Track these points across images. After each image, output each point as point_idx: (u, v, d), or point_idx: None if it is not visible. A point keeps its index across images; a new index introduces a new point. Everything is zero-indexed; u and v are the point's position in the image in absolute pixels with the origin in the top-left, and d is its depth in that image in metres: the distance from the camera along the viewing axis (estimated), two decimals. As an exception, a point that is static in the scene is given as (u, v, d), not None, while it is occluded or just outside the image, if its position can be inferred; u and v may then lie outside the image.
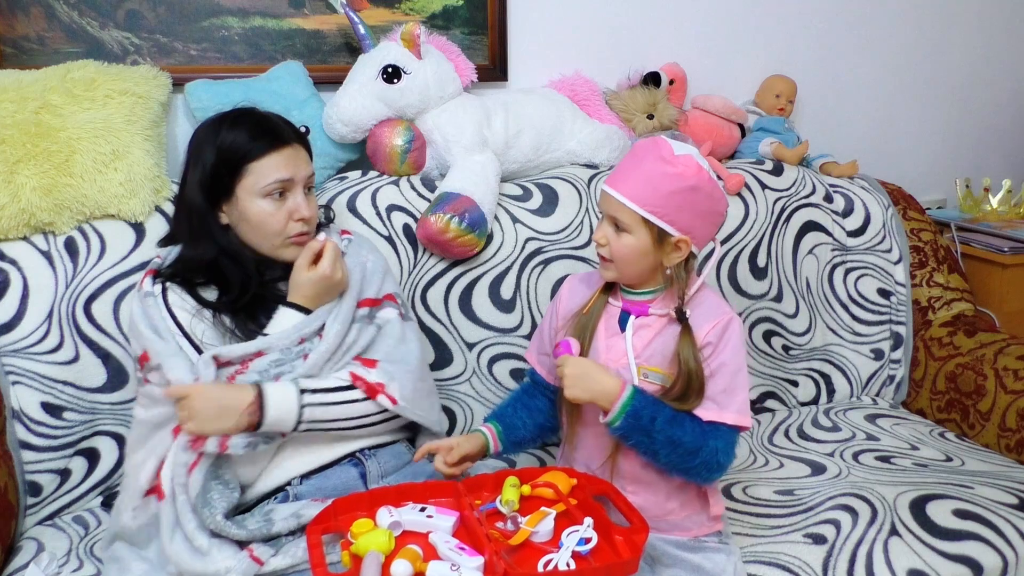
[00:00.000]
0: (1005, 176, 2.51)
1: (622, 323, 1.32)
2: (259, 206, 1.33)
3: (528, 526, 1.15)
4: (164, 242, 1.45)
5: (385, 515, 1.16)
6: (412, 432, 1.47)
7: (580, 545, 1.13)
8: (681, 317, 1.26)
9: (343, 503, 1.20)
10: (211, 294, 1.35)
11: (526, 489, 1.24)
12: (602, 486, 1.26)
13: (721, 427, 1.25)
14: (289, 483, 1.31)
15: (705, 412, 1.24)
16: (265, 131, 1.35)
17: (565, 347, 1.28)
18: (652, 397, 1.24)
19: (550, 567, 1.10)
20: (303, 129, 1.70)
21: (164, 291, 1.33)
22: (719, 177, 1.95)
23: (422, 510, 1.18)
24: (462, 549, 1.10)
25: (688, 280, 1.29)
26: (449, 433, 1.70)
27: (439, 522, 1.16)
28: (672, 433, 1.21)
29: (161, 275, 1.35)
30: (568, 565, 1.10)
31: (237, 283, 1.35)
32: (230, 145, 1.33)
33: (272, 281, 1.39)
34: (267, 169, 1.33)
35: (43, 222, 1.48)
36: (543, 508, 1.20)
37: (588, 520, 1.17)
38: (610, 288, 1.35)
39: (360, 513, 1.18)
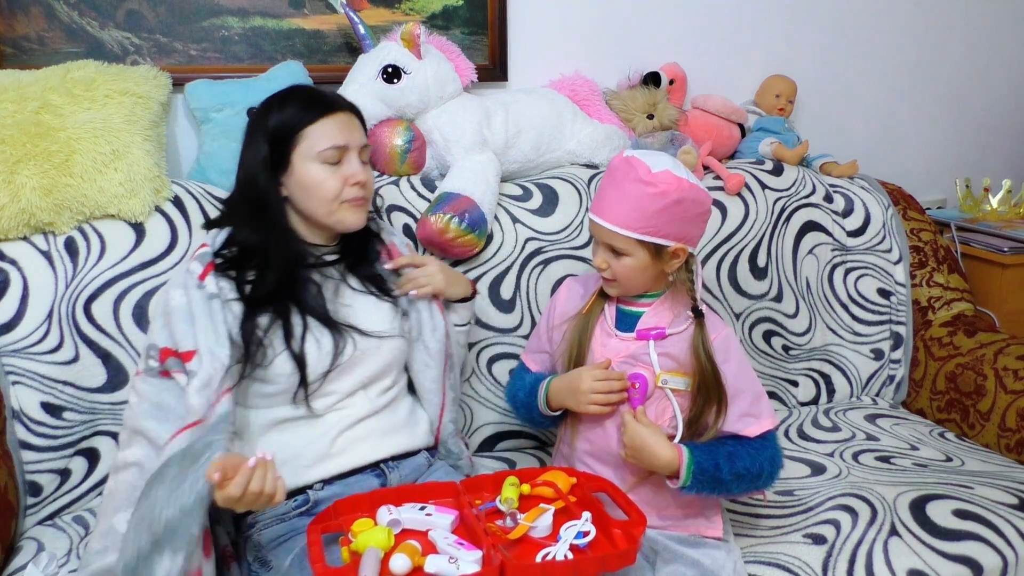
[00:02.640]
0: (1005, 176, 2.52)
1: (619, 325, 1.36)
2: (314, 171, 1.33)
3: (526, 521, 1.16)
4: (210, 224, 1.43)
5: (384, 513, 1.17)
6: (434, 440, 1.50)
7: (578, 539, 1.13)
8: (698, 314, 1.31)
9: (344, 504, 1.20)
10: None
11: (525, 488, 1.25)
12: (601, 483, 1.27)
13: (767, 434, 1.31)
14: (311, 486, 1.31)
15: (752, 429, 1.30)
16: (316, 100, 1.35)
17: (641, 383, 1.31)
18: (704, 445, 1.28)
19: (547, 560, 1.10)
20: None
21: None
22: (718, 176, 1.96)
23: (421, 509, 1.19)
24: (461, 544, 1.11)
25: (695, 277, 1.33)
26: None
27: (438, 520, 1.17)
28: (736, 468, 1.27)
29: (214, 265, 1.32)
30: (566, 558, 1.11)
31: (278, 267, 1.32)
32: (283, 118, 1.33)
33: (310, 268, 1.37)
34: (321, 133, 1.32)
35: (43, 222, 1.48)
36: (542, 505, 1.21)
37: (586, 514, 1.18)
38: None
39: (360, 514, 1.19)
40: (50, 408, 1.46)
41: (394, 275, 1.48)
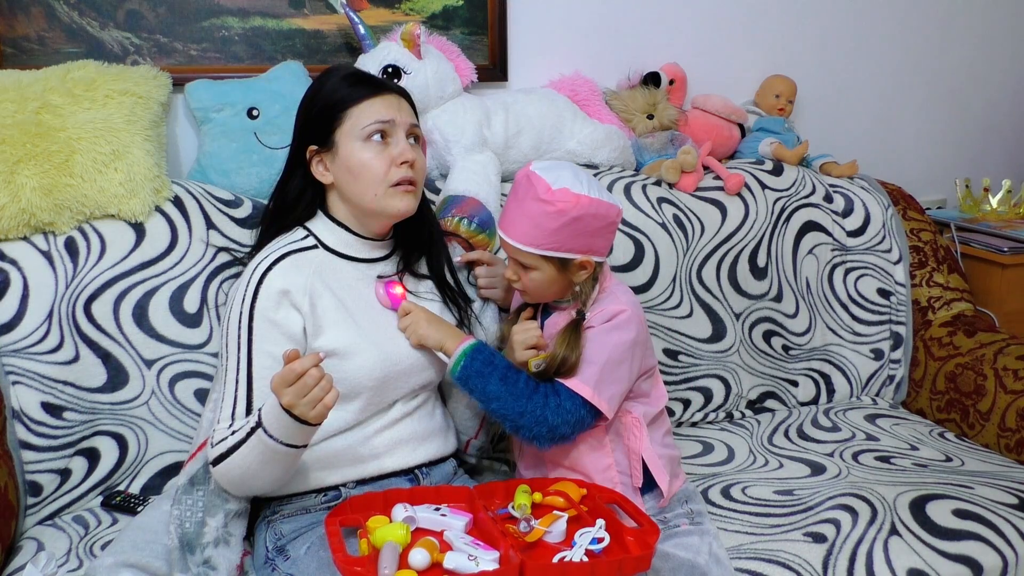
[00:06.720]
0: (1005, 176, 2.51)
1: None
2: (359, 151, 1.28)
3: (542, 526, 1.17)
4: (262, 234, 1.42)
5: (400, 510, 1.18)
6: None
7: (592, 544, 1.14)
8: (580, 318, 1.33)
9: (357, 501, 1.21)
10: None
11: (537, 496, 1.26)
12: (612, 495, 1.28)
13: (559, 386, 1.30)
14: (345, 484, 1.32)
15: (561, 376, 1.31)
16: (364, 80, 1.33)
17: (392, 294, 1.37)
18: (493, 352, 1.33)
19: None
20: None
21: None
22: (718, 176, 1.96)
23: (436, 510, 1.20)
24: (477, 545, 1.12)
25: (601, 283, 1.36)
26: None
27: (453, 521, 1.18)
28: (501, 381, 1.29)
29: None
30: (582, 561, 1.12)
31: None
32: (328, 93, 1.30)
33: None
34: (366, 111, 1.29)
35: (43, 222, 1.48)
36: (555, 512, 1.22)
37: (600, 521, 1.19)
38: None
39: (373, 511, 1.20)
40: (50, 408, 1.46)
41: (464, 270, 1.51)
